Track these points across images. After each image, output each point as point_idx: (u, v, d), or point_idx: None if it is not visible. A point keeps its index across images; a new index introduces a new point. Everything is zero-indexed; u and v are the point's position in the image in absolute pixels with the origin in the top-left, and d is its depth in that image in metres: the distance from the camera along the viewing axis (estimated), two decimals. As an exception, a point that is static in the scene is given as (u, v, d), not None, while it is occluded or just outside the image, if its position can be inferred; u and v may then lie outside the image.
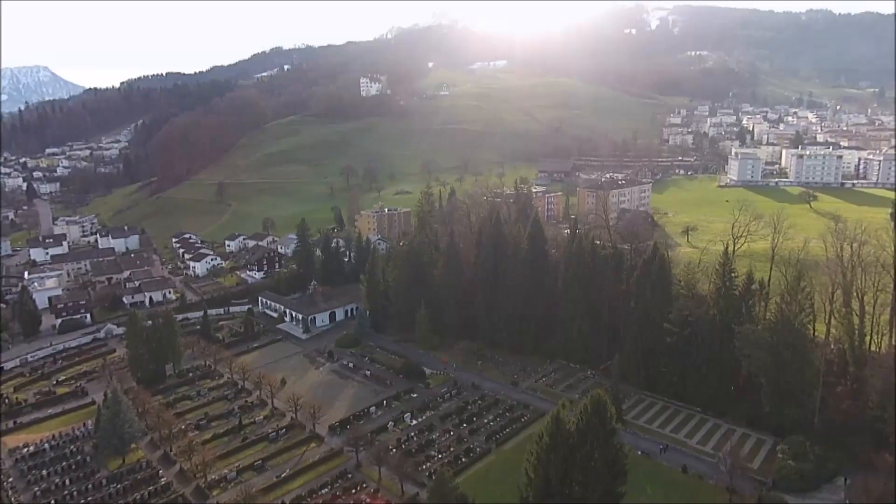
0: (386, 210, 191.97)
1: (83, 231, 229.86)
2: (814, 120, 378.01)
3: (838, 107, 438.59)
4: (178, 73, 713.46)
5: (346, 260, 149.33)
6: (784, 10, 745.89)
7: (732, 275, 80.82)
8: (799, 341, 72.26)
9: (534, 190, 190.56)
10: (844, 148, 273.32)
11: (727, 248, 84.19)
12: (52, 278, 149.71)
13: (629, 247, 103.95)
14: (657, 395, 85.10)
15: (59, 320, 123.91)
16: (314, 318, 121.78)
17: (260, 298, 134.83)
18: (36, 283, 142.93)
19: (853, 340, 74.24)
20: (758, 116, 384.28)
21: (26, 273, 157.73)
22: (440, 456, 73.22)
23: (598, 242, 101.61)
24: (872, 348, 75.07)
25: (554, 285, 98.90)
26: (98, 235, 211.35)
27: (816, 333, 77.10)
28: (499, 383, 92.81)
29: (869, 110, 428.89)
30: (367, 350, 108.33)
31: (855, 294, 75.61)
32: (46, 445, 79.49)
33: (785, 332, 72.03)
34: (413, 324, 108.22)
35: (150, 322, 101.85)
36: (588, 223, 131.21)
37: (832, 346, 76.45)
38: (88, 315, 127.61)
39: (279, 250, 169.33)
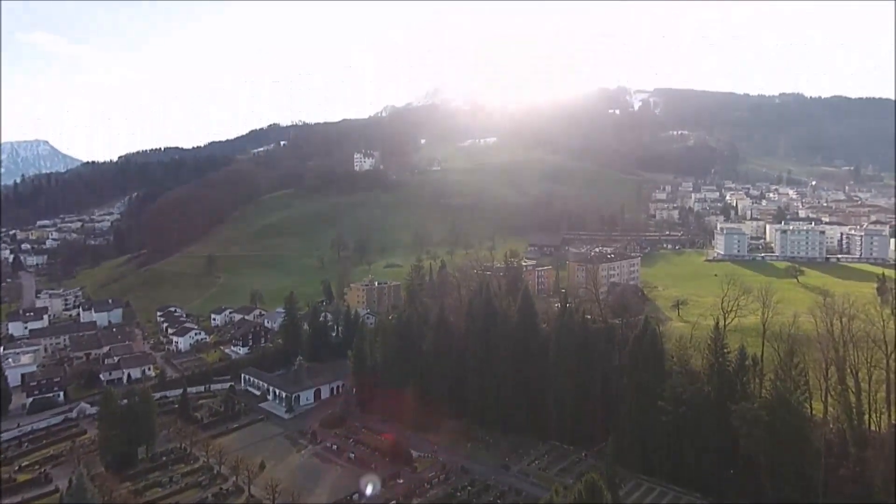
0: (376, 283, 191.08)
1: (66, 304, 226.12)
2: (794, 196, 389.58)
3: (813, 182, 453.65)
4: (177, 148, 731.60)
5: (334, 334, 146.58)
6: (758, 94, 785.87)
7: (725, 350, 79.77)
8: (797, 420, 70.41)
9: (524, 263, 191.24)
10: (826, 223, 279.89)
11: (718, 322, 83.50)
12: (27, 354, 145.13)
13: (620, 321, 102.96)
14: (654, 480, 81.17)
15: (31, 399, 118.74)
16: (298, 396, 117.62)
17: (243, 375, 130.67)
18: (10, 359, 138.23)
19: (852, 419, 72.35)
20: (740, 192, 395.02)
21: (1, 348, 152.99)
22: (426, 549, 68.42)
23: (588, 316, 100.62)
24: (872, 426, 72.94)
25: (545, 360, 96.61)
26: (81, 309, 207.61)
27: (814, 412, 75.01)
28: (489, 466, 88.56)
29: (846, 187, 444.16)
30: (353, 431, 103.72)
31: (849, 370, 74.46)
32: (0, 539, 73.64)
33: (782, 410, 70.30)
34: (401, 402, 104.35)
35: (125, 400, 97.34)
36: (578, 297, 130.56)
37: (831, 426, 74.23)
38: (62, 393, 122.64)
39: (266, 324, 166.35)
